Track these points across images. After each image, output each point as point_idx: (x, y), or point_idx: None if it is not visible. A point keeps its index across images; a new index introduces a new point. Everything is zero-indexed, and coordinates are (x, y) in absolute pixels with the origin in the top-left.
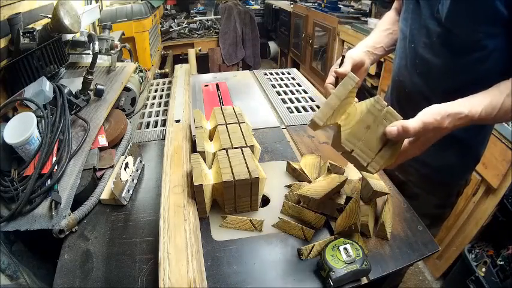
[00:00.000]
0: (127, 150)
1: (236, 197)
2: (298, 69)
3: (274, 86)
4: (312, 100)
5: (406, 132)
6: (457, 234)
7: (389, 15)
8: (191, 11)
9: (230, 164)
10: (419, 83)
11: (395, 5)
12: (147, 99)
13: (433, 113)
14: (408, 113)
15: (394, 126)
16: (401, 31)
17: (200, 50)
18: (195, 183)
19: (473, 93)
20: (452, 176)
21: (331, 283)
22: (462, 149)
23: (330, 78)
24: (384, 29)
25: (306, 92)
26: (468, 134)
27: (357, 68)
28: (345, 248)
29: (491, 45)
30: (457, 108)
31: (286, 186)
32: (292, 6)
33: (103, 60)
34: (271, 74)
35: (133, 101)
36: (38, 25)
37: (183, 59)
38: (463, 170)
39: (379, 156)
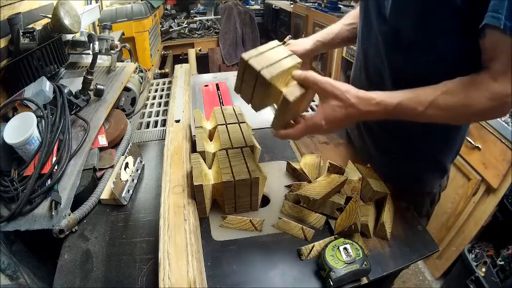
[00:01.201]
0: (127, 150)
1: (236, 197)
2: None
3: None
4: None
5: (306, 76)
6: (457, 234)
7: (355, 11)
8: (191, 11)
9: (230, 164)
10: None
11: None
12: (147, 99)
13: (344, 86)
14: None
15: (300, 71)
16: (357, 32)
17: (200, 50)
18: (195, 183)
19: None
20: (417, 188)
21: (331, 283)
22: (425, 160)
23: None
24: (346, 23)
25: None
26: (431, 144)
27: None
28: (345, 248)
29: (443, 44)
30: (369, 94)
31: (286, 186)
32: (292, 6)
33: (103, 60)
34: None
35: (133, 101)
36: (38, 25)
37: (183, 59)
38: (429, 182)
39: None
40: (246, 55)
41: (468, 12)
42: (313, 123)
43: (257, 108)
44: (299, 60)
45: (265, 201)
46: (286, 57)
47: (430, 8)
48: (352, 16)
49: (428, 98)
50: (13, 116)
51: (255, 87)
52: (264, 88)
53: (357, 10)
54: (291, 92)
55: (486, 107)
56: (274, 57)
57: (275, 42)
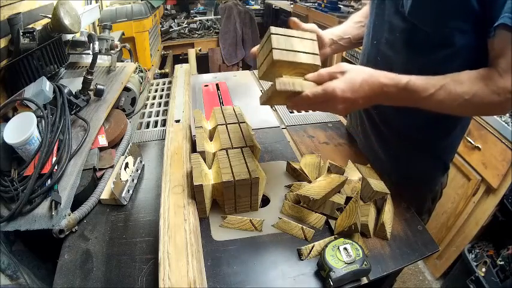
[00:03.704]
0: (127, 150)
1: (236, 197)
2: None
3: None
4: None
5: (320, 74)
6: (457, 234)
7: (365, 8)
8: (191, 11)
9: (230, 164)
10: None
11: None
12: (147, 99)
13: (356, 67)
14: (373, 113)
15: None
16: (366, 27)
17: (200, 50)
18: (195, 183)
19: None
20: (420, 185)
21: (331, 283)
22: (430, 158)
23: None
24: (355, 21)
25: None
26: (436, 143)
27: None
28: (345, 248)
29: (459, 42)
30: (382, 72)
31: (286, 186)
32: (292, 6)
33: (103, 60)
34: None
35: (133, 101)
36: (38, 25)
37: (183, 59)
38: (431, 180)
39: None
40: (274, 29)
41: (483, 13)
42: (332, 88)
43: (260, 76)
44: (319, 63)
45: (265, 201)
46: (307, 52)
47: (448, 8)
48: (359, 15)
49: (438, 82)
50: (13, 116)
51: (266, 58)
52: (270, 64)
53: (365, 8)
54: (284, 82)
55: (490, 100)
56: (296, 46)
57: (310, 35)
